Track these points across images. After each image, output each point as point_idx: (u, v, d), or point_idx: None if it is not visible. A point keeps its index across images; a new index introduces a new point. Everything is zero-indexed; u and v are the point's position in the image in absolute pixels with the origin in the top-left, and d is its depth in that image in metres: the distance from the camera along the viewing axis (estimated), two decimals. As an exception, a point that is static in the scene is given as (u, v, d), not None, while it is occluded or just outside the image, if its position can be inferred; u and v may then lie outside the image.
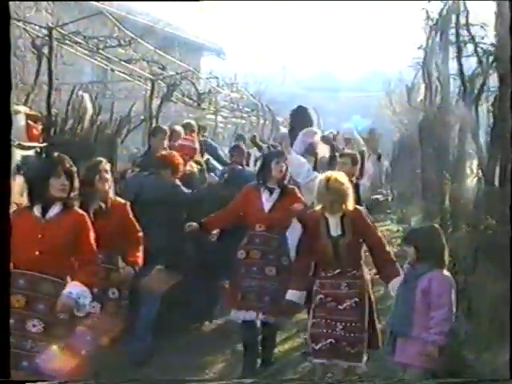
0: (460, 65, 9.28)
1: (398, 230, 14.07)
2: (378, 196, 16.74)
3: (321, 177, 6.28)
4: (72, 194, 5.41)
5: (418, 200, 14.01)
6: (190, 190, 8.12)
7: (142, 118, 13.18)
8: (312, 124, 10.93)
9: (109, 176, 6.60)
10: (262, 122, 21.15)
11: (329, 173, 6.38)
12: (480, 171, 8.39)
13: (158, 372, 7.13)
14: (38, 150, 9.03)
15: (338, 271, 6.08)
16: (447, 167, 10.58)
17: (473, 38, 8.70)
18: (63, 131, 9.88)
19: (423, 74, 13.15)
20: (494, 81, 8.11)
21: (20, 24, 12.50)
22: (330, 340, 5.86)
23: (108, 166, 6.63)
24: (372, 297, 6.33)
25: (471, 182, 9.40)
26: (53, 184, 5.30)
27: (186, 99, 16.37)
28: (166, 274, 6.81)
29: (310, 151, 9.91)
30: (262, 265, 7.13)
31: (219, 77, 19.50)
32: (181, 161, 8.16)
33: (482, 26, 8.58)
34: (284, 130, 14.90)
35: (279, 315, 7.13)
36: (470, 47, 8.98)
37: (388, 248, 6.39)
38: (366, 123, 12.15)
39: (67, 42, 11.90)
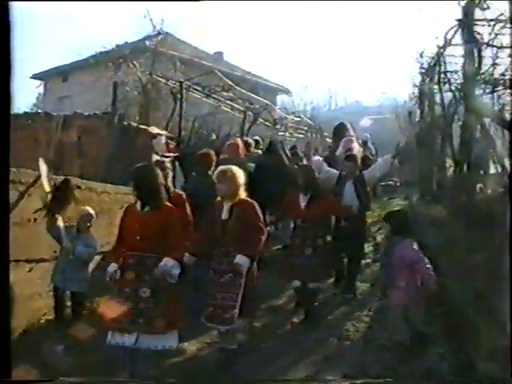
0: (442, 97, 9.12)
1: (403, 204, 13.88)
2: (391, 182, 16.69)
3: (219, 168, 5.08)
4: (161, 195, 4.69)
5: (417, 185, 13.78)
6: None
7: (238, 135, 13.24)
8: (349, 133, 9.74)
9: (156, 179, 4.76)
10: (314, 136, 21.09)
11: (226, 166, 5.07)
12: (454, 166, 8.36)
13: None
14: (173, 158, 8.90)
15: (223, 249, 4.89)
16: (434, 163, 10.49)
17: (449, 81, 8.55)
18: (188, 146, 10.07)
19: (418, 103, 12.91)
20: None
21: (164, 80, 12.81)
22: (210, 308, 4.82)
23: (156, 171, 4.80)
24: (254, 276, 4.95)
25: (449, 172, 9.28)
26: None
27: (267, 123, 16.45)
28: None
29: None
30: (303, 247, 6.10)
31: (287, 107, 19.66)
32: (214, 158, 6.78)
33: (455, 72, 8.44)
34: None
35: (316, 282, 6.14)
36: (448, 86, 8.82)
37: (259, 235, 4.84)
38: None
39: (191, 89, 12.11)
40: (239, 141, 8.56)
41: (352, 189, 6.93)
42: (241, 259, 4.72)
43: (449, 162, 9.50)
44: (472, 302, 5.10)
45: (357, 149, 8.96)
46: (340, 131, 9.69)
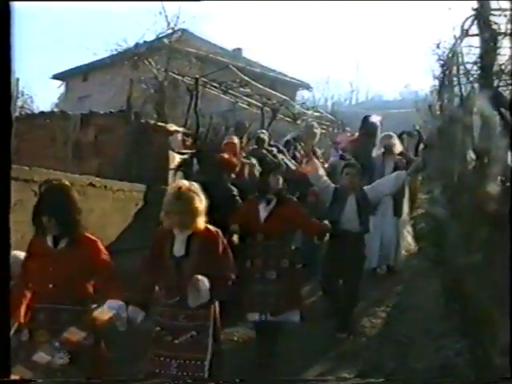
0: (460, 89, 8.98)
1: (425, 198, 13.79)
2: (412, 176, 16.54)
3: (172, 184, 4.00)
4: (79, 223, 3.54)
5: (439, 178, 13.60)
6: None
7: (258, 131, 13.14)
8: (376, 129, 8.67)
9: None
10: (336, 131, 20.97)
11: (182, 181, 3.80)
12: (475, 158, 8.23)
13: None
14: (190, 154, 8.61)
15: (177, 299, 3.63)
16: (455, 156, 10.35)
17: (468, 72, 8.40)
18: (206, 142, 10.04)
19: (438, 96, 12.76)
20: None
21: (180, 77, 12.86)
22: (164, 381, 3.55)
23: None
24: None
25: (470, 165, 9.15)
26: (43, 220, 3.46)
27: (287, 118, 16.38)
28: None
29: (388, 151, 7.85)
30: (264, 270, 4.85)
31: (308, 102, 19.52)
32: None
33: (473, 64, 8.33)
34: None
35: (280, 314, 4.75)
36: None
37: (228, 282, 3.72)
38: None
39: (208, 86, 12.12)
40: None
41: (354, 207, 5.64)
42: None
43: (470, 155, 9.39)
44: (489, 297, 5.03)
45: (398, 147, 8.05)
46: (370, 127, 8.60)
